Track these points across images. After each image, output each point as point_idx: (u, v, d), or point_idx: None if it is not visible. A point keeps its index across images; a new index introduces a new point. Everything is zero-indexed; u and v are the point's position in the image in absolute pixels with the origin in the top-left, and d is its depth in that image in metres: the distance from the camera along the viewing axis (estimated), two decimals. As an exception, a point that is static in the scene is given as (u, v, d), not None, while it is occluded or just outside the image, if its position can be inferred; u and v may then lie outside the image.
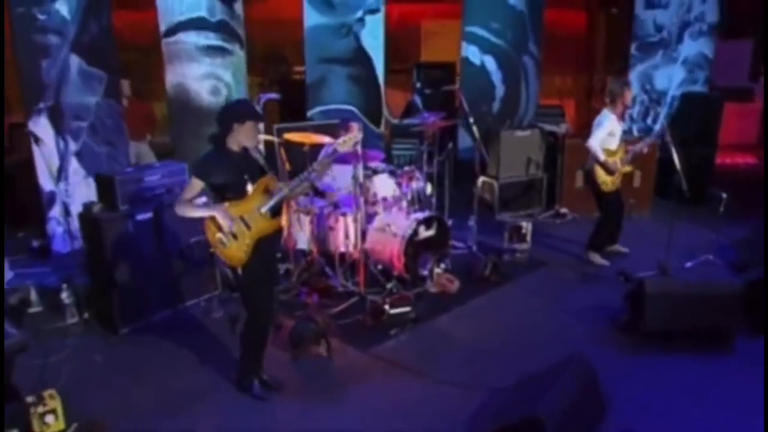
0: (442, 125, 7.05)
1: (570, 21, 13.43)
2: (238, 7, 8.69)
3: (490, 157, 8.49)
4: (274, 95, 6.76)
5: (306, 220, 6.46)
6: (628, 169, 6.89)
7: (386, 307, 5.54)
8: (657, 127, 9.77)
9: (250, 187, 4.15)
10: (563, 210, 8.84)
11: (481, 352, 5.20)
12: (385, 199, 6.36)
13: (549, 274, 6.87)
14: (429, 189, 7.06)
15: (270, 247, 4.30)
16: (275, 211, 4.21)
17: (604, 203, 6.86)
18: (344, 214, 6.40)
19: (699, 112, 9.37)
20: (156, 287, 5.65)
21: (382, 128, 9.85)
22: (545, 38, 10.29)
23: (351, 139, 4.37)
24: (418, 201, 6.73)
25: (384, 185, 6.39)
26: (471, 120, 7.03)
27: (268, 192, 4.18)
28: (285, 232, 6.41)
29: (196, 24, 8.45)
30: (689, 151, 7.97)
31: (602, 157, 6.64)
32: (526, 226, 7.29)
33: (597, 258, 7.10)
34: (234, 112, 4.09)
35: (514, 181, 8.92)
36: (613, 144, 6.68)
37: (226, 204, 4.11)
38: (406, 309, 5.60)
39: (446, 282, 6.27)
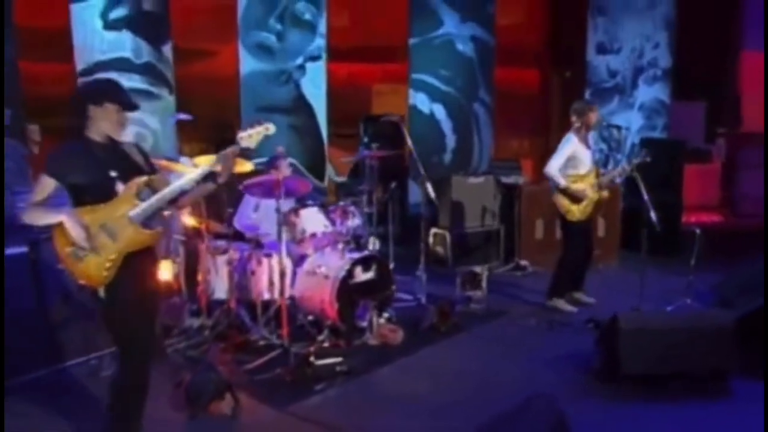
0: (381, 155, 6.27)
1: (524, 80, 13.03)
2: (167, 50, 7.98)
3: (441, 207, 7.69)
4: (186, 116, 5.93)
5: (223, 264, 5.48)
6: (604, 194, 6.11)
7: (311, 358, 4.54)
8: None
9: (120, 188, 3.21)
10: (523, 262, 8.02)
11: (430, 406, 4.23)
12: (314, 236, 5.46)
13: (509, 322, 5.98)
14: (372, 243, 6.15)
15: (145, 264, 3.34)
16: (150, 220, 3.28)
17: (570, 233, 6.06)
18: (268, 255, 5.47)
19: (662, 157, 8.79)
20: (29, 341, 4.58)
21: (326, 183, 9.06)
22: (499, 97, 9.74)
23: (259, 133, 3.48)
24: (355, 241, 5.84)
25: (313, 220, 5.51)
26: (421, 171, 6.17)
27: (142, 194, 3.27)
28: (200, 279, 5.44)
29: (119, 65, 7.68)
30: (654, 196, 7.35)
31: (563, 182, 5.90)
32: (482, 271, 6.41)
33: (562, 304, 6.24)
34: (88, 92, 3.24)
35: (469, 232, 8.10)
36: (582, 168, 5.97)
37: (86, 208, 3.18)
38: (336, 360, 4.61)
39: (388, 332, 5.32)
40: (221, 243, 5.61)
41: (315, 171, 9.02)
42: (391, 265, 5.98)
